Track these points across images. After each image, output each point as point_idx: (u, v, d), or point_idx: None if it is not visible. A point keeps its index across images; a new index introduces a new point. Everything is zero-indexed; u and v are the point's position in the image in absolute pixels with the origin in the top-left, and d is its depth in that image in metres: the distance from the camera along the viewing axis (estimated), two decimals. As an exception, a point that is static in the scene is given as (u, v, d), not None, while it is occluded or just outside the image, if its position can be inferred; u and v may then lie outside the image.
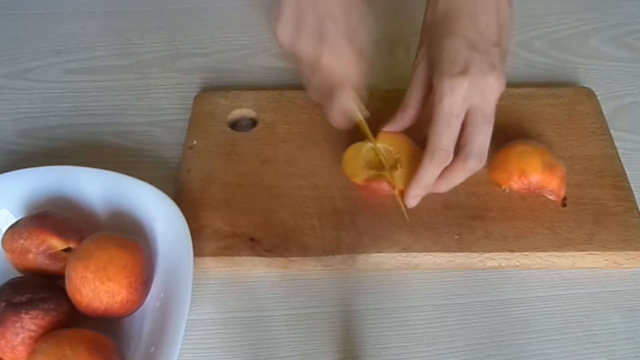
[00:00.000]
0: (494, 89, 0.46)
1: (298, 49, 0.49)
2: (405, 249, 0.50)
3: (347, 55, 0.48)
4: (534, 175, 0.51)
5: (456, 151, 0.47)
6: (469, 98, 0.45)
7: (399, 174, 0.51)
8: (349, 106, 0.50)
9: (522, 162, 0.52)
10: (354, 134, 0.57)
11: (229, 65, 0.67)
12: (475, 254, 0.50)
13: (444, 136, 0.46)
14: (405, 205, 0.51)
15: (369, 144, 0.53)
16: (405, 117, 0.51)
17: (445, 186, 0.49)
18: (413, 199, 0.51)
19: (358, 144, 0.53)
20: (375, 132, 0.53)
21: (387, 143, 0.53)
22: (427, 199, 0.53)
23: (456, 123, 0.46)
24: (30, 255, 0.47)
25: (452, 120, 0.45)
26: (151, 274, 0.48)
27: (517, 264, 0.51)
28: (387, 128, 0.53)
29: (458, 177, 0.48)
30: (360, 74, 0.50)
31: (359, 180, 0.51)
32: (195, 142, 0.58)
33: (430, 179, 0.48)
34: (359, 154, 0.53)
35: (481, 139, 0.46)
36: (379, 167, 0.52)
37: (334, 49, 0.47)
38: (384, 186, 0.51)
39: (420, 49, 0.51)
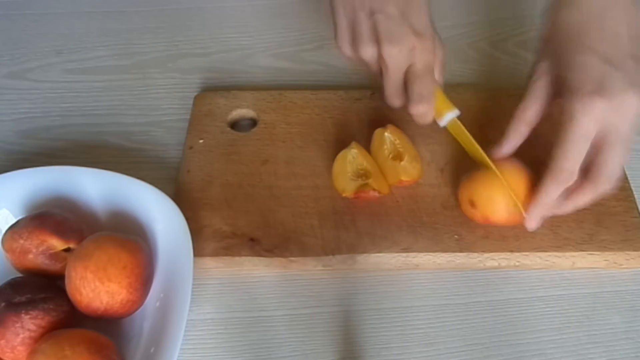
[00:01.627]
0: (632, 107, 0.42)
1: (362, 57, 0.47)
2: (405, 249, 0.50)
3: (406, 40, 0.45)
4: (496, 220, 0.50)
5: (582, 171, 0.45)
6: (604, 118, 0.42)
7: (403, 165, 0.53)
8: (427, 93, 0.48)
9: (489, 206, 0.49)
10: (353, 135, 0.57)
11: (229, 65, 0.67)
12: (475, 254, 0.50)
13: (571, 157, 0.43)
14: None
15: (353, 150, 0.53)
16: (517, 135, 0.49)
17: (571, 208, 0.47)
18: (534, 221, 0.48)
19: (343, 152, 0.54)
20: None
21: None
22: (427, 199, 0.53)
23: (585, 144, 0.43)
24: (30, 256, 0.47)
25: (581, 141, 0.42)
26: (151, 274, 0.48)
27: (517, 264, 0.51)
28: (501, 151, 0.50)
29: (586, 199, 0.46)
30: (429, 55, 0.47)
31: (347, 194, 0.52)
32: (201, 140, 0.58)
33: (551, 199, 0.46)
34: (345, 164, 0.53)
35: (614, 161, 0.43)
36: (367, 172, 0.53)
37: (389, 38, 0.45)
38: (373, 193, 0.51)
39: (539, 63, 0.47)
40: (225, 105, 0.61)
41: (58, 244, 0.47)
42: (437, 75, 0.50)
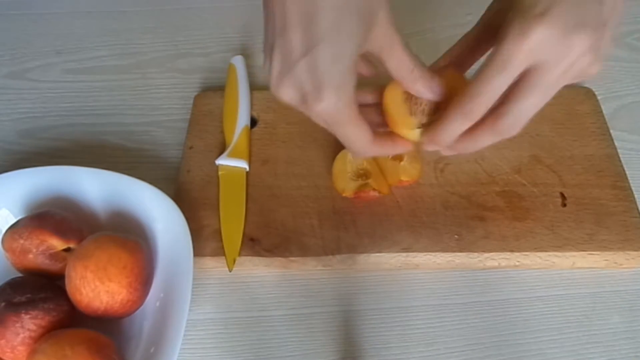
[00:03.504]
0: (577, 48, 0.35)
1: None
2: (405, 249, 0.50)
3: (334, 100, 0.38)
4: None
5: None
6: (538, 52, 0.35)
7: (403, 165, 0.53)
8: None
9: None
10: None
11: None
12: (475, 254, 0.50)
13: (488, 84, 0.36)
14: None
15: None
16: (449, 55, 0.44)
17: (469, 145, 0.41)
18: (430, 145, 0.42)
19: (343, 152, 0.54)
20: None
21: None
22: (427, 199, 0.53)
23: (507, 78, 0.36)
24: (31, 255, 0.47)
25: (504, 70, 0.36)
26: (151, 274, 0.48)
27: (517, 264, 0.51)
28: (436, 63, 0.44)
29: (484, 138, 0.40)
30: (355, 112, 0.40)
31: (347, 194, 0.52)
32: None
33: (454, 132, 0.40)
34: (345, 164, 0.53)
35: (525, 104, 0.37)
36: (367, 172, 0.53)
37: (317, 98, 0.38)
38: (373, 193, 0.51)
39: None
40: (225, 105, 0.61)
41: (58, 244, 0.47)
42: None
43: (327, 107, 0.38)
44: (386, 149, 0.44)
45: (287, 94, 0.39)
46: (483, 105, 0.38)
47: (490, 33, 0.41)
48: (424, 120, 0.42)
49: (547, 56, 0.35)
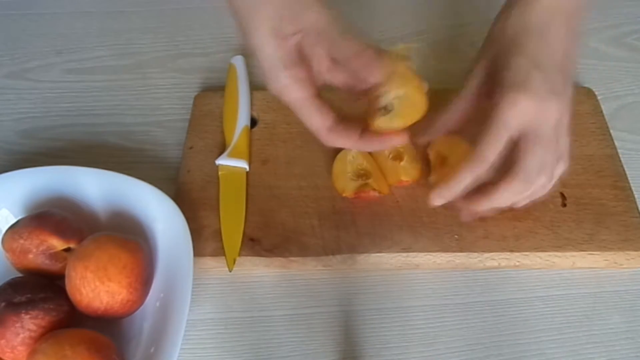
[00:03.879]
0: (553, 112, 0.44)
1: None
2: (405, 249, 0.50)
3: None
4: None
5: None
6: (525, 116, 0.43)
7: (403, 165, 0.53)
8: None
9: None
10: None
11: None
12: (476, 254, 0.50)
13: (490, 147, 0.44)
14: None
15: (354, 150, 0.53)
16: (442, 125, 0.49)
17: (486, 203, 0.47)
18: (437, 199, 0.47)
19: (343, 152, 0.54)
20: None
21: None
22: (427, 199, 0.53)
23: (505, 137, 0.44)
24: (31, 255, 0.47)
25: (502, 133, 0.44)
26: (151, 274, 0.48)
27: (517, 264, 0.51)
28: (422, 136, 0.50)
29: (501, 196, 0.46)
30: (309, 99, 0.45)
31: (348, 194, 0.52)
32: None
33: (460, 185, 0.46)
34: (345, 164, 0.54)
35: (529, 160, 0.44)
36: (367, 172, 0.53)
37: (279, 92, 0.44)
38: (373, 193, 0.52)
39: (480, 60, 0.49)
40: (225, 105, 0.61)
41: (58, 244, 0.47)
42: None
43: (273, 89, 0.44)
44: (343, 141, 0.47)
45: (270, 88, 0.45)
46: (486, 161, 0.44)
47: (477, 100, 0.48)
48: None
49: (531, 122, 0.43)
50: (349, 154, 0.53)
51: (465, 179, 0.45)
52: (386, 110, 0.44)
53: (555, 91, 0.44)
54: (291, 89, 0.44)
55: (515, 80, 0.44)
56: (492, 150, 0.44)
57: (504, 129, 0.44)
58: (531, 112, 0.44)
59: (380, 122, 0.44)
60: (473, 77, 0.49)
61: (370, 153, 0.55)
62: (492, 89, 0.46)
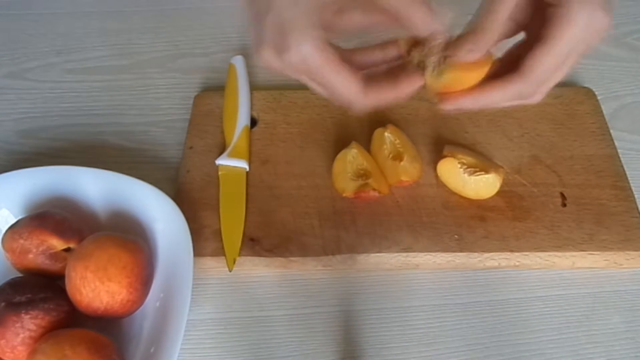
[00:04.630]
0: (606, 28, 0.39)
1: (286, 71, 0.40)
2: (406, 249, 0.50)
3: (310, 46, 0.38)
4: None
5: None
6: (582, 34, 0.39)
7: (403, 165, 0.53)
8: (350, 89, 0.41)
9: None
10: (353, 135, 0.57)
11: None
12: (476, 254, 0.50)
13: (541, 70, 0.40)
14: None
15: (353, 150, 0.53)
16: (486, 39, 0.41)
17: (482, 101, 0.42)
18: (451, 104, 0.42)
19: (343, 152, 0.54)
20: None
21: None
22: (427, 199, 0.53)
23: (562, 59, 0.40)
24: (31, 255, 0.47)
25: (562, 53, 0.39)
26: (151, 274, 0.48)
27: (517, 264, 0.51)
28: (463, 55, 0.41)
29: (496, 95, 0.41)
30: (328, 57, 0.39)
31: (348, 194, 0.52)
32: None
33: (490, 101, 0.42)
34: (345, 164, 0.53)
35: (547, 69, 0.40)
36: (367, 172, 0.53)
37: (285, 49, 0.38)
38: (373, 193, 0.51)
39: None
40: (225, 105, 0.61)
41: (58, 244, 0.47)
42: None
43: (296, 53, 0.38)
44: (386, 93, 0.41)
45: (266, 57, 0.39)
46: (533, 90, 0.40)
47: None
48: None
49: (587, 36, 0.39)
50: (349, 154, 0.53)
51: (495, 97, 0.41)
52: (439, 68, 0.40)
53: (611, 6, 0.39)
54: (323, 50, 0.38)
55: None
56: (543, 76, 0.40)
57: (562, 55, 0.39)
58: (593, 30, 0.39)
59: (432, 80, 0.41)
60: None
61: (370, 153, 0.55)
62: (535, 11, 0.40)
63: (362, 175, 0.53)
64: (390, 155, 0.54)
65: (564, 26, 0.39)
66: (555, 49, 0.39)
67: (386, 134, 0.54)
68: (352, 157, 0.53)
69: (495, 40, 0.41)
